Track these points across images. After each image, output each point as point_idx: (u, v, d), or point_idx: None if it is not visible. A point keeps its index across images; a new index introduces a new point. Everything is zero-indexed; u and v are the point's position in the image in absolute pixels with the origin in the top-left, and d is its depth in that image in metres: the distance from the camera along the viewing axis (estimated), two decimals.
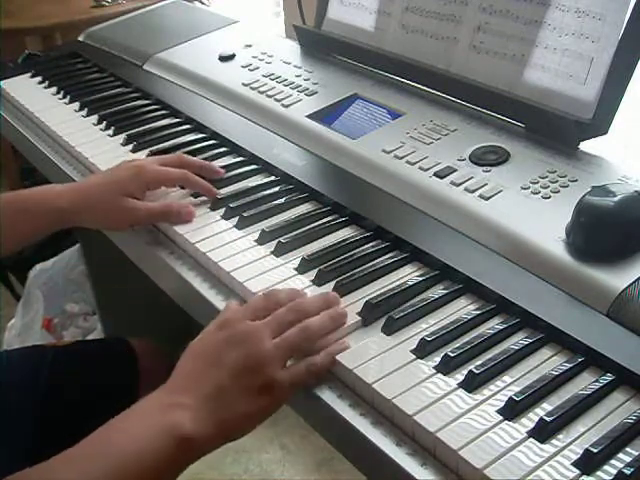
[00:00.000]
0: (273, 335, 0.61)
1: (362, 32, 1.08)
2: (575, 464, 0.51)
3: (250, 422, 0.59)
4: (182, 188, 0.89)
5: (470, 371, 0.58)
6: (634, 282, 0.61)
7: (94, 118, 1.11)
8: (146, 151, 0.99)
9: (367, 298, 0.67)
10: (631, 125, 0.89)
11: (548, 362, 0.60)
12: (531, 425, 0.54)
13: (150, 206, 0.84)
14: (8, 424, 0.86)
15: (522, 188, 0.75)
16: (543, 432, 0.53)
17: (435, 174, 0.80)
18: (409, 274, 0.72)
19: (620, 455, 0.51)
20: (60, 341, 1.70)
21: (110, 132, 1.07)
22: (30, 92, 1.24)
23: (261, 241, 0.78)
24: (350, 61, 1.09)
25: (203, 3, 1.99)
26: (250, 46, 1.19)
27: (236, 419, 0.58)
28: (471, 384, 0.58)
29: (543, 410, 0.55)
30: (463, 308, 0.67)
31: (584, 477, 0.50)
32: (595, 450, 0.51)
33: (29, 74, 1.31)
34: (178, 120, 1.08)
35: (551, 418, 0.53)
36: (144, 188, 0.85)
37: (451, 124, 0.89)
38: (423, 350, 0.61)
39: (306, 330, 0.62)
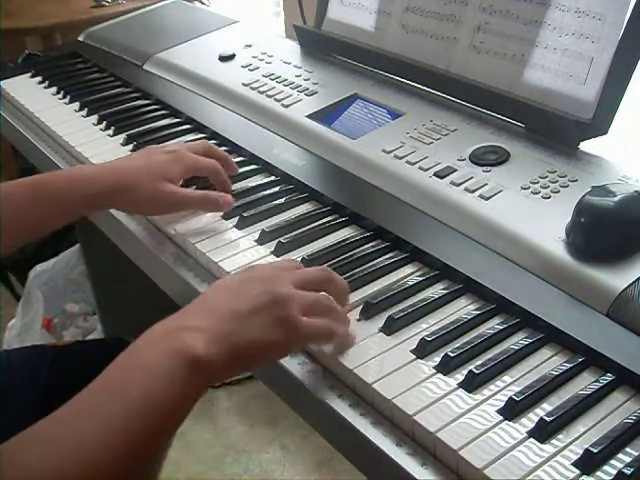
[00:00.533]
0: (297, 286, 0.61)
1: (362, 32, 1.08)
2: (575, 464, 0.51)
3: (263, 352, 0.58)
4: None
5: (470, 371, 0.58)
6: (634, 282, 0.62)
7: (94, 118, 1.11)
8: None
9: (367, 298, 0.67)
10: (631, 125, 0.89)
11: (548, 362, 0.60)
12: (531, 425, 0.54)
13: (188, 192, 0.83)
14: (8, 424, 0.85)
15: (522, 188, 0.75)
16: (543, 432, 0.53)
17: (435, 174, 0.80)
18: (409, 274, 0.72)
19: (620, 455, 0.51)
20: (60, 341, 1.70)
21: (110, 132, 1.07)
22: (30, 92, 1.24)
23: (261, 241, 0.78)
24: (350, 61, 1.09)
25: (203, 3, 1.99)
26: (250, 46, 1.19)
27: (249, 345, 0.56)
28: (471, 384, 0.58)
29: (543, 410, 0.55)
30: (463, 308, 0.67)
31: (584, 477, 0.50)
32: (595, 450, 0.51)
33: (29, 74, 1.31)
34: (178, 120, 1.08)
35: (551, 418, 0.53)
36: (180, 173, 0.83)
37: (451, 124, 0.89)
38: (423, 350, 0.61)
39: (330, 300, 0.62)
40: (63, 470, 0.47)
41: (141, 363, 0.53)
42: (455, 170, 0.80)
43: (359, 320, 0.66)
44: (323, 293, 0.63)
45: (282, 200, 0.85)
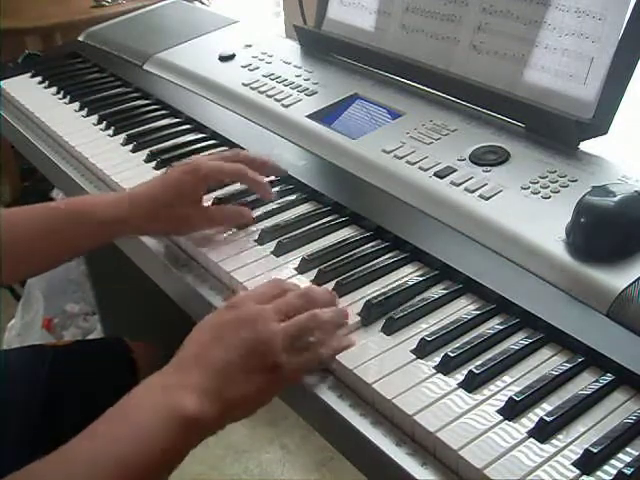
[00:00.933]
0: (281, 319, 0.61)
1: (362, 32, 1.08)
2: (575, 464, 0.51)
3: (254, 403, 0.59)
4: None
5: (470, 371, 0.58)
6: (634, 282, 0.61)
7: (94, 118, 1.11)
8: (146, 151, 0.99)
9: (367, 298, 0.67)
10: (631, 125, 0.89)
11: (548, 362, 0.60)
12: (531, 425, 0.54)
13: (208, 211, 0.81)
14: (7, 424, 0.85)
15: (522, 188, 0.75)
16: (543, 432, 0.53)
17: (435, 174, 0.80)
18: (409, 274, 0.72)
19: (620, 455, 0.51)
20: (60, 341, 1.70)
21: (110, 132, 1.07)
22: (30, 92, 1.24)
23: (261, 241, 0.78)
24: (350, 61, 1.09)
25: (203, 3, 1.99)
26: (250, 46, 1.19)
27: (241, 399, 0.57)
28: (471, 384, 0.58)
29: (543, 410, 0.55)
30: (463, 308, 0.67)
31: (584, 477, 0.50)
32: (595, 450, 0.51)
33: (29, 74, 1.31)
34: (178, 120, 1.08)
35: (551, 418, 0.53)
36: (203, 188, 0.79)
37: (451, 124, 0.88)
38: (423, 350, 0.61)
39: (315, 317, 0.62)
40: None
41: (133, 421, 0.55)
42: (455, 170, 0.80)
43: (359, 320, 0.66)
44: (308, 314, 0.62)
45: (282, 200, 0.85)
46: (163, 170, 0.93)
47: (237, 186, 0.87)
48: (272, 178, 0.89)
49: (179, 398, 0.55)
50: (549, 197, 0.74)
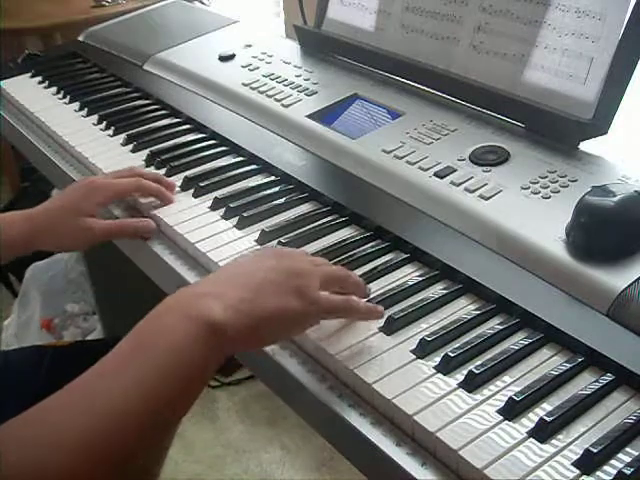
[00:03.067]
0: (313, 265, 0.62)
1: (362, 32, 1.08)
2: (575, 464, 0.51)
3: (285, 327, 0.58)
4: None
5: (470, 371, 0.58)
6: (634, 282, 0.62)
7: (94, 118, 1.11)
8: (146, 151, 0.99)
9: (367, 298, 0.67)
10: (631, 125, 0.89)
11: (548, 362, 0.60)
12: (531, 425, 0.54)
13: (105, 224, 0.84)
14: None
15: (522, 188, 0.75)
16: (543, 432, 0.53)
17: (435, 174, 0.80)
18: (409, 274, 0.72)
19: (620, 455, 0.51)
20: (59, 341, 1.70)
21: (110, 132, 1.07)
22: (30, 92, 1.24)
23: (261, 241, 0.78)
24: (350, 61, 1.09)
25: (203, 3, 1.98)
26: (250, 46, 1.19)
27: (268, 316, 0.56)
28: (471, 384, 0.58)
29: (543, 410, 0.55)
30: (463, 308, 0.67)
31: (584, 477, 0.50)
32: (595, 450, 0.51)
33: (29, 74, 1.31)
34: (178, 120, 1.08)
35: (551, 418, 0.53)
36: (98, 204, 0.84)
37: (451, 124, 0.89)
38: (423, 350, 0.61)
39: (348, 275, 0.65)
40: (88, 431, 0.47)
41: (162, 326, 0.54)
42: (455, 170, 0.80)
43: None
44: (339, 267, 0.66)
45: (282, 200, 0.85)
46: (163, 170, 0.94)
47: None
48: (268, 179, 0.89)
49: (204, 304, 0.54)
50: (549, 197, 0.74)
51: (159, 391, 0.50)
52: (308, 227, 0.80)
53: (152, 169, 0.95)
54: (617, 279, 0.62)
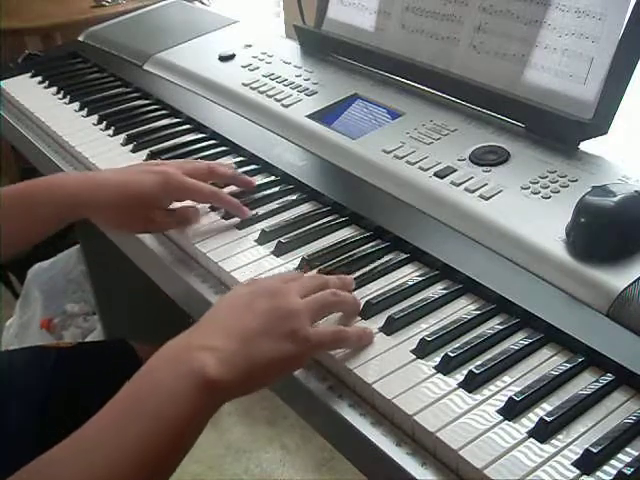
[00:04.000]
0: (301, 296, 0.62)
1: (362, 32, 1.08)
2: (575, 464, 0.51)
3: (277, 371, 0.58)
4: None
5: (470, 371, 0.58)
6: (634, 282, 0.61)
7: (94, 118, 1.11)
8: (146, 151, 0.99)
9: (367, 298, 0.67)
10: (631, 125, 0.89)
11: (548, 362, 0.60)
12: (531, 425, 0.54)
13: (165, 222, 0.80)
14: (10, 426, 0.85)
15: (522, 188, 0.75)
16: (543, 432, 0.53)
17: (435, 174, 0.80)
18: (409, 274, 0.72)
19: (620, 455, 0.51)
20: (62, 342, 1.70)
21: (110, 132, 1.07)
22: (30, 92, 1.24)
23: (261, 241, 0.78)
24: (350, 61, 1.09)
25: (203, 3, 1.98)
26: (250, 46, 1.19)
27: (262, 365, 0.56)
28: (471, 384, 0.58)
29: (543, 410, 0.55)
30: (463, 308, 0.67)
31: (584, 477, 0.50)
32: (595, 450, 0.51)
33: (29, 74, 1.31)
34: (178, 120, 1.08)
35: (551, 418, 0.53)
36: (168, 200, 0.80)
37: (451, 124, 0.89)
38: (423, 350, 0.61)
39: (335, 294, 0.64)
40: None
41: (155, 383, 0.54)
42: (455, 170, 0.80)
43: (359, 320, 0.66)
44: (328, 290, 0.64)
45: (282, 200, 0.85)
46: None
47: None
48: (268, 179, 0.89)
49: (199, 360, 0.54)
50: (549, 197, 0.74)
51: (154, 447, 0.51)
52: (308, 227, 0.80)
53: None
54: (617, 279, 0.62)
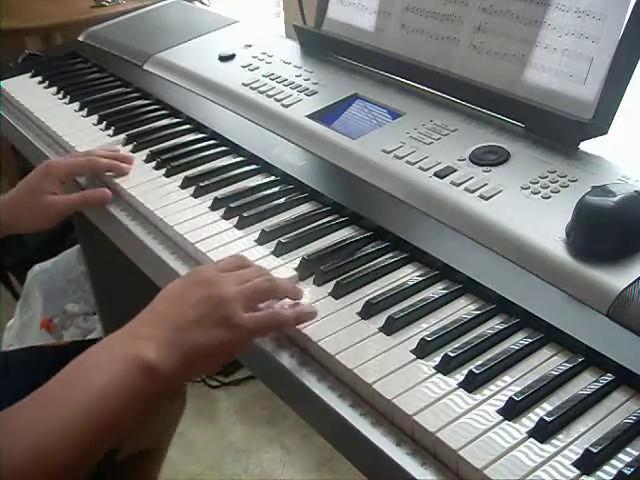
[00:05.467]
0: (239, 283, 0.64)
1: (362, 32, 1.08)
2: (575, 464, 0.51)
3: (215, 357, 0.61)
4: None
5: (470, 371, 0.58)
6: (634, 282, 0.61)
7: (94, 118, 1.11)
8: (146, 151, 0.99)
9: (367, 298, 0.67)
10: (631, 125, 0.89)
11: (548, 362, 0.60)
12: (531, 425, 0.54)
13: (67, 197, 0.91)
14: None
15: (522, 188, 0.75)
16: (543, 432, 0.53)
17: (435, 174, 0.80)
18: (409, 274, 0.72)
19: (620, 455, 0.51)
20: (59, 341, 1.70)
21: (110, 132, 1.07)
22: (30, 92, 1.24)
23: (261, 241, 0.78)
24: (350, 61, 1.09)
25: (203, 3, 1.98)
26: (250, 46, 1.19)
27: (200, 352, 0.59)
28: (471, 384, 0.58)
29: (543, 410, 0.55)
30: (463, 308, 0.67)
31: (584, 477, 0.50)
32: (595, 450, 0.51)
33: (29, 74, 1.31)
34: (178, 120, 1.08)
35: (551, 418, 0.53)
36: (57, 182, 0.91)
37: (451, 124, 0.89)
38: (423, 350, 0.61)
39: (271, 281, 0.66)
40: (18, 457, 0.52)
41: (95, 364, 0.58)
42: (455, 170, 0.80)
43: (359, 320, 0.66)
44: (263, 277, 0.66)
45: (282, 200, 0.85)
46: (163, 170, 0.94)
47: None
48: (268, 179, 0.89)
49: (138, 347, 0.58)
50: (549, 197, 0.74)
51: (87, 424, 0.54)
52: (308, 227, 0.80)
53: (152, 169, 0.95)
54: (617, 279, 0.62)
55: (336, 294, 0.69)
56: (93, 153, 0.96)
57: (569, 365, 0.59)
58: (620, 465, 0.50)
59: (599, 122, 0.80)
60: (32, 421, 0.54)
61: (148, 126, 1.07)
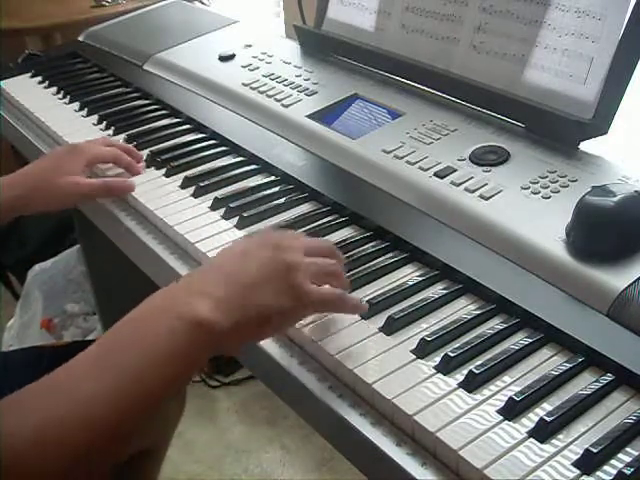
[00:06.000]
0: (305, 255, 0.61)
1: (362, 32, 1.08)
2: (575, 464, 0.51)
3: (270, 321, 0.57)
4: None
5: (470, 371, 0.58)
6: (634, 282, 0.61)
7: (94, 118, 1.11)
8: (146, 151, 0.99)
9: (367, 298, 0.67)
10: (631, 125, 0.89)
11: (548, 362, 0.60)
12: (531, 425, 0.54)
13: (90, 181, 0.90)
14: None
15: (522, 188, 0.75)
16: (543, 432, 0.53)
17: (435, 174, 0.80)
18: (409, 274, 0.72)
19: (620, 455, 0.51)
20: (59, 342, 1.70)
21: (110, 132, 1.07)
22: (30, 92, 1.24)
23: None
24: (350, 61, 1.09)
25: (203, 3, 1.98)
26: (250, 46, 1.19)
27: (257, 314, 0.56)
28: (471, 384, 0.58)
29: (543, 410, 0.55)
30: (463, 308, 0.67)
31: (584, 477, 0.50)
32: (595, 450, 0.51)
33: (29, 74, 1.31)
34: (178, 120, 1.08)
35: (551, 418, 0.53)
36: (82, 165, 0.91)
37: (451, 124, 0.88)
38: (423, 350, 0.61)
39: (336, 266, 0.64)
40: (67, 420, 0.49)
41: (146, 318, 0.54)
42: (455, 170, 0.80)
43: (359, 320, 0.66)
44: (331, 260, 0.64)
45: (282, 200, 0.85)
46: (163, 170, 0.94)
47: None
48: (268, 179, 0.89)
49: (195, 302, 0.54)
50: (549, 197, 0.74)
51: (136, 387, 0.51)
52: (308, 227, 0.80)
53: (152, 169, 0.95)
54: (617, 279, 0.62)
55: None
56: (115, 144, 0.97)
57: (569, 365, 0.59)
58: (620, 465, 0.50)
59: (599, 122, 0.80)
60: (80, 385, 0.51)
61: (148, 126, 1.07)
